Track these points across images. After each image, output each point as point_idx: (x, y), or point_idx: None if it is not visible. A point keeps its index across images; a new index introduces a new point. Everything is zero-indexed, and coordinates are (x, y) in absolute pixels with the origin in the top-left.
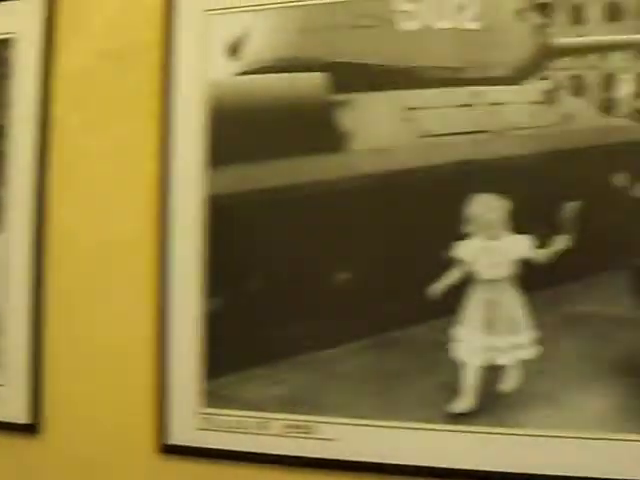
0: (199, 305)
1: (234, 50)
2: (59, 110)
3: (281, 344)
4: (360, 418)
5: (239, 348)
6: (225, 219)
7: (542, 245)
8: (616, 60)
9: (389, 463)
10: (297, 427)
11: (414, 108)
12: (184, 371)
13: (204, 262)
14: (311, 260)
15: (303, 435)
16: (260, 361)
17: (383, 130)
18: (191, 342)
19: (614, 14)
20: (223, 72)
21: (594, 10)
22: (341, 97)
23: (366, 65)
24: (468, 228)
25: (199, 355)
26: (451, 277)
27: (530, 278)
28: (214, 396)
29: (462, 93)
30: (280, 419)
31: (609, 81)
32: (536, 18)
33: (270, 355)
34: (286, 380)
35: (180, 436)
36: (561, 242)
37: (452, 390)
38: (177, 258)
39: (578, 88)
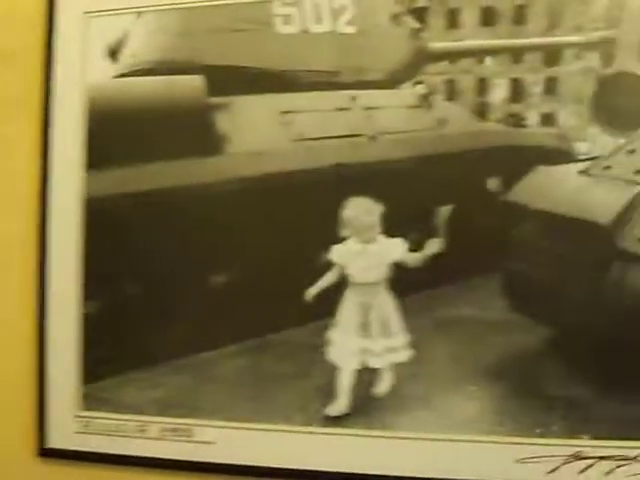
0: (77, 307)
1: (114, 52)
2: None
3: (159, 347)
4: (238, 421)
5: (117, 351)
6: (104, 221)
7: (416, 248)
8: (490, 65)
9: (266, 466)
10: (175, 430)
11: (291, 111)
12: (62, 374)
13: (82, 264)
14: (188, 263)
15: (181, 438)
16: (138, 364)
17: (260, 133)
18: (69, 345)
19: (489, 19)
20: (102, 74)
21: (469, 15)
22: (219, 100)
23: (244, 68)
24: (344, 231)
25: (77, 358)
26: (326, 280)
27: (404, 281)
28: (92, 399)
29: (338, 97)
30: (158, 422)
31: (483, 86)
32: (412, 22)
33: (148, 358)
34: (164, 383)
35: (58, 440)
36: (435, 246)
37: (328, 393)
38: (55, 260)
39: (453, 92)
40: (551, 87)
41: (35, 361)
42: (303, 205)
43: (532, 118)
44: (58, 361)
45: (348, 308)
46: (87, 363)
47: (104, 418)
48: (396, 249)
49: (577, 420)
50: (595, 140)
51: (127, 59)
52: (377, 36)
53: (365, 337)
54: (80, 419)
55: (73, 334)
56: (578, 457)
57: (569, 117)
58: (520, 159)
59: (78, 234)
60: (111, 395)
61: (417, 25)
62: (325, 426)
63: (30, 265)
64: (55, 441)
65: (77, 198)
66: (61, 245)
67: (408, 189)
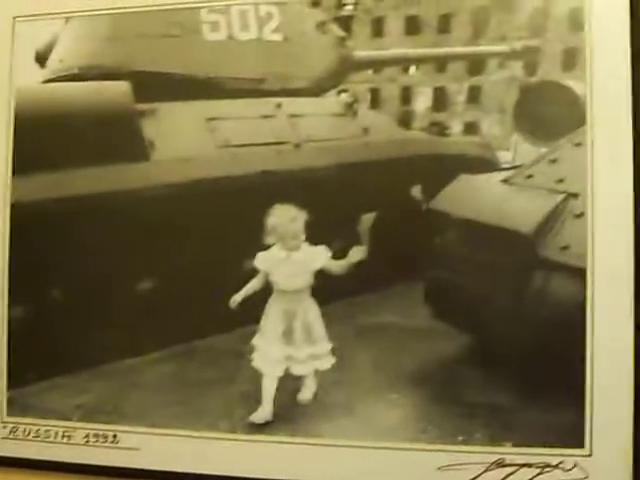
0: (2, 313)
1: (42, 57)
2: None
3: (84, 353)
4: (162, 427)
5: (43, 357)
6: (29, 227)
7: (340, 256)
8: (415, 74)
9: (191, 472)
10: (101, 436)
11: (217, 118)
12: None
13: (8, 269)
14: (114, 269)
15: (107, 444)
16: (63, 370)
17: (186, 140)
18: None
19: (414, 28)
20: (31, 79)
21: (394, 23)
22: (145, 106)
23: (171, 74)
24: (268, 238)
25: (2, 363)
26: (251, 287)
27: (328, 289)
28: (17, 405)
29: (264, 104)
30: (83, 428)
31: (407, 94)
32: (337, 31)
33: (73, 364)
34: (89, 389)
35: None
36: (358, 253)
37: (253, 400)
38: None
39: (377, 101)
40: (475, 96)
41: None
42: (229, 212)
43: (455, 127)
44: None
45: (272, 315)
46: (12, 368)
47: (29, 424)
48: (320, 257)
49: (499, 427)
50: (518, 149)
51: (55, 64)
52: (303, 44)
53: (289, 344)
54: (5, 425)
55: None
56: (500, 464)
57: (492, 126)
58: (443, 167)
59: (4, 239)
60: (36, 401)
61: (342, 33)
62: (249, 433)
63: None
64: None
65: (3, 203)
66: None
67: (332, 197)
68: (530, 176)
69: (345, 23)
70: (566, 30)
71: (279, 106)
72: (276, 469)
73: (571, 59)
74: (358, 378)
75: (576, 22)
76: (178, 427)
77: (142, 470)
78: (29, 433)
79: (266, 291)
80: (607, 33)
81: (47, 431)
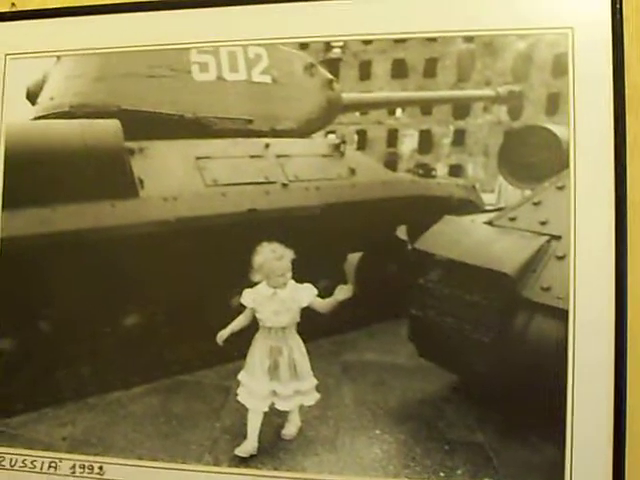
0: None
1: (33, 95)
2: None
3: (70, 385)
4: (149, 459)
5: (30, 389)
6: (17, 260)
7: (326, 294)
8: (401, 116)
9: None
10: (87, 467)
11: (205, 157)
12: None
13: None
14: (102, 303)
15: (92, 476)
16: (50, 402)
17: (174, 178)
18: None
19: (400, 71)
20: (21, 116)
21: (381, 67)
22: (134, 144)
23: (160, 114)
24: (255, 276)
25: None
26: (237, 323)
27: (313, 326)
28: (4, 435)
29: (252, 144)
30: (69, 459)
31: (394, 136)
32: (325, 73)
33: (60, 396)
34: (75, 421)
35: None
36: (344, 292)
37: (237, 434)
38: None
39: (364, 142)
40: (460, 139)
41: None
42: (216, 249)
43: (441, 169)
44: None
45: (258, 351)
46: (0, 399)
47: (16, 454)
48: (306, 294)
49: (481, 464)
50: (502, 191)
51: (46, 102)
52: (291, 86)
53: (274, 380)
54: None
55: None
56: None
57: (477, 169)
58: (428, 208)
59: None
60: (23, 432)
61: (330, 76)
62: (234, 466)
63: None
64: None
65: None
66: None
67: (319, 236)
68: (514, 218)
69: (333, 66)
70: (550, 75)
71: (267, 146)
72: None
73: (554, 104)
74: (342, 414)
75: (559, 68)
76: (164, 459)
77: None
78: (15, 463)
79: (252, 327)
80: (590, 78)
81: (33, 462)
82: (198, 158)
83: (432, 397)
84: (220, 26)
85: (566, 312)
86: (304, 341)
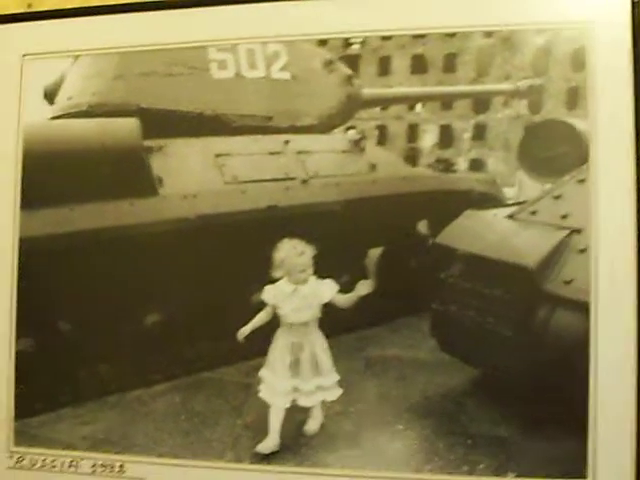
0: (9, 345)
1: (51, 95)
2: None
3: (90, 385)
4: (170, 457)
5: (50, 388)
6: (37, 260)
7: (347, 290)
8: (421, 111)
9: None
10: (107, 466)
11: (225, 154)
12: None
13: (16, 302)
14: (122, 302)
15: (113, 474)
16: (70, 401)
17: (194, 175)
18: (1, 382)
19: (420, 66)
20: (39, 116)
21: (400, 62)
22: (153, 143)
23: (178, 112)
24: (276, 272)
25: (9, 394)
26: (258, 320)
27: (335, 322)
28: (25, 435)
29: (271, 141)
30: (90, 458)
31: (414, 131)
32: (344, 69)
33: (80, 395)
34: (96, 420)
35: None
36: (365, 287)
37: (259, 431)
38: None
39: (384, 138)
40: (480, 133)
41: None
42: (236, 246)
43: (461, 164)
44: None
45: (280, 347)
46: (20, 399)
47: (36, 454)
48: (327, 290)
49: (503, 459)
50: (522, 186)
51: (64, 101)
52: (310, 82)
53: (296, 376)
54: (12, 455)
55: (6, 371)
56: None
57: (497, 163)
58: (449, 203)
59: (12, 272)
60: (43, 431)
61: (349, 72)
62: (256, 463)
63: None
64: None
65: (11, 238)
66: None
67: (340, 231)
68: (534, 212)
69: (352, 62)
70: (569, 69)
71: (287, 143)
72: None
73: (574, 97)
74: (365, 409)
75: (579, 61)
76: (185, 457)
77: None
78: (35, 463)
79: (273, 324)
80: (610, 72)
81: (53, 461)
82: (217, 155)
83: (454, 392)
84: (238, 23)
85: (588, 305)
86: (326, 337)
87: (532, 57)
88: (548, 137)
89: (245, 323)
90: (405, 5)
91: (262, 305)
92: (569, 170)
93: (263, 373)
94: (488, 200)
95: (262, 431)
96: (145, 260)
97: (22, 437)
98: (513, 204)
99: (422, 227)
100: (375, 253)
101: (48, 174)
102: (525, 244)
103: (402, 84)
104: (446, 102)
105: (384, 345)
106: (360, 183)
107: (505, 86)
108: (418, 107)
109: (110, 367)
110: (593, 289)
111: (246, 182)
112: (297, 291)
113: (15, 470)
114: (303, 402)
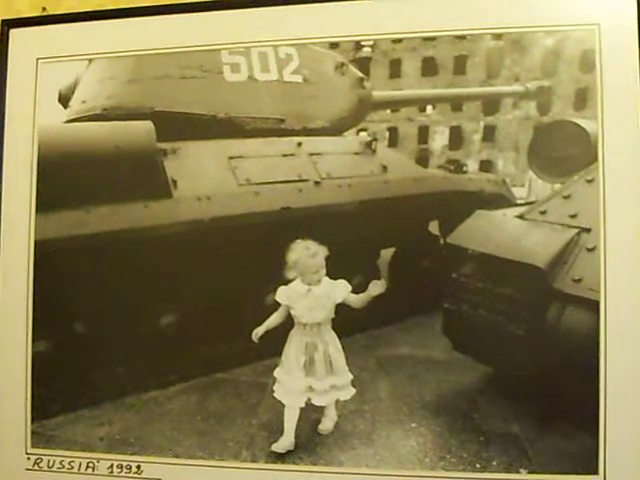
0: (26, 347)
1: (65, 98)
2: None
3: (107, 385)
4: (186, 457)
5: (66, 390)
6: (53, 263)
7: (359, 290)
8: (431, 113)
9: None
10: (124, 467)
11: (238, 157)
12: (11, 412)
13: (32, 305)
14: (137, 303)
15: (130, 475)
16: (87, 403)
17: (208, 178)
18: (18, 384)
19: (430, 69)
20: (54, 119)
21: (411, 65)
22: (167, 145)
23: (192, 114)
24: (289, 273)
25: (26, 397)
26: (272, 321)
27: (348, 322)
28: (42, 437)
29: (284, 143)
30: (107, 459)
31: (425, 133)
32: (356, 72)
33: (96, 397)
34: (112, 421)
35: (8, 477)
36: (378, 287)
37: (274, 430)
38: (3, 301)
39: (395, 139)
40: (490, 135)
41: None
42: (250, 248)
43: (472, 164)
44: (7, 400)
45: (294, 347)
46: (37, 401)
47: (53, 455)
48: (340, 291)
49: (516, 455)
50: (532, 186)
51: (78, 105)
52: (322, 85)
53: (310, 376)
54: (30, 456)
55: (23, 373)
56: None
57: (507, 163)
58: (460, 204)
59: (28, 275)
60: (61, 433)
61: (361, 74)
62: (271, 462)
63: None
64: (5, 478)
65: (27, 240)
66: (10, 286)
67: (352, 232)
68: (544, 212)
69: (363, 65)
70: (578, 71)
71: (300, 145)
72: None
73: (583, 99)
74: (378, 408)
75: (587, 63)
76: (201, 457)
77: None
78: (53, 464)
79: (287, 324)
80: (617, 73)
81: (71, 462)
82: (231, 158)
83: (467, 390)
84: (251, 27)
85: (598, 303)
86: (339, 336)
87: (541, 59)
88: (557, 138)
89: (259, 324)
90: (415, 8)
91: (276, 306)
92: (578, 170)
93: (277, 373)
94: (498, 200)
95: (277, 430)
96: (160, 261)
97: (39, 439)
98: (523, 204)
99: (433, 227)
100: (387, 253)
101: (63, 177)
102: (535, 243)
103: (413, 86)
104: (456, 104)
105: (397, 344)
106: (372, 184)
107: (515, 88)
108: (429, 109)
109: (126, 368)
110: (603, 287)
111: (259, 184)
112: (310, 292)
113: (33, 472)
114: (317, 401)
